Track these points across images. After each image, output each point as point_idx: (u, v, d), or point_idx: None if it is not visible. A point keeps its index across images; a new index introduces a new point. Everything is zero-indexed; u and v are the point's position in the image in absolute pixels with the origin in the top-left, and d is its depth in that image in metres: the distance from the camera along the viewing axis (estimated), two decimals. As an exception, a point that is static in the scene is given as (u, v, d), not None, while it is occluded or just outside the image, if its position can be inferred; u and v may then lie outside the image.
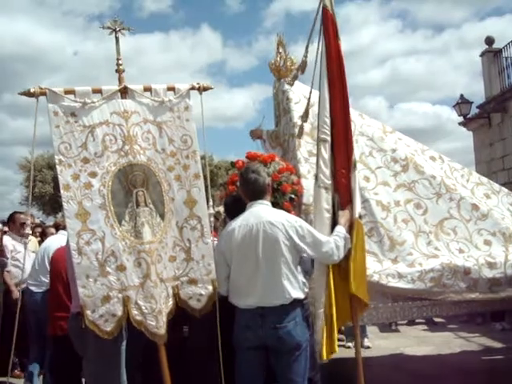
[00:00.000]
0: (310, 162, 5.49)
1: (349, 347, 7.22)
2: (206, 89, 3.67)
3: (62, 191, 3.12)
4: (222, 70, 59.35)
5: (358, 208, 4.18)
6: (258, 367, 3.61)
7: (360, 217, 4.21)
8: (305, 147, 5.59)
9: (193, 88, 3.63)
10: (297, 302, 3.58)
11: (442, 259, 5.00)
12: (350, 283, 3.97)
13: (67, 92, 3.23)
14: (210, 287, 3.53)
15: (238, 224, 3.64)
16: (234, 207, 4.00)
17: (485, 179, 6.27)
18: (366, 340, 8.06)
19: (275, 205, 4.84)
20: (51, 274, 4.99)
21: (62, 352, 4.44)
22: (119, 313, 3.17)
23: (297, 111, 5.82)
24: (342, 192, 4.19)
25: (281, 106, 6.07)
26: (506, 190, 6.19)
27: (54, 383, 4.98)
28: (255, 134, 6.29)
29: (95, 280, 3.12)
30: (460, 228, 5.36)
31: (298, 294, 3.57)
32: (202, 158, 3.77)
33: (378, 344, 7.90)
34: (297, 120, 5.73)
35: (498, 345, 7.70)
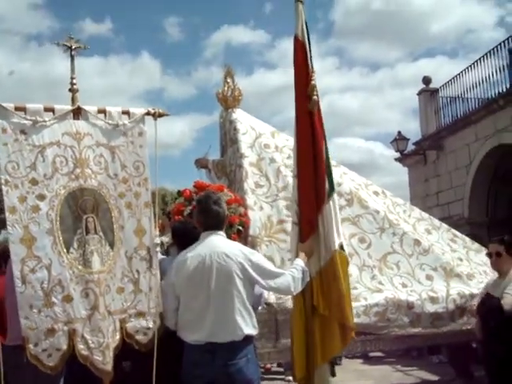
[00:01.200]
0: (257, 193, 5.49)
1: (289, 381, 7.16)
2: (161, 115, 3.56)
3: (7, 214, 2.93)
4: (160, 97, 59.08)
5: (337, 239, 4.08)
6: None
7: (341, 247, 4.12)
8: (252, 178, 5.58)
9: (148, 113, 3.52)
10: (249, 338, 3.41)
11: (386, 293, 5.04)
12: (346, 314, 3.98)
13: (18, 108, 3.07)
14: (158, 320, 3.38)
15: (191, 254, 3.44)
16: (185, 235, 3.86)
17: (426, 215, 6.44)
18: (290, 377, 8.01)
19: (222, 237, 4.78)
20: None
21: None
22: (64, 347, 2.99)
23: (244, 142, 5.83)
24: (303, 225, 4.12)
25: (227, 135, 6.06)
26: (446, 226, 6.36)
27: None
28: (201, 163, 6.23)
29: (39, 311, 2.94)
30: (403, 263, 5.45)
31: (250, 330, 3.39)
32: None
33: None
34: (244, 151, 5.72)
35: (435, 378, 7.79)
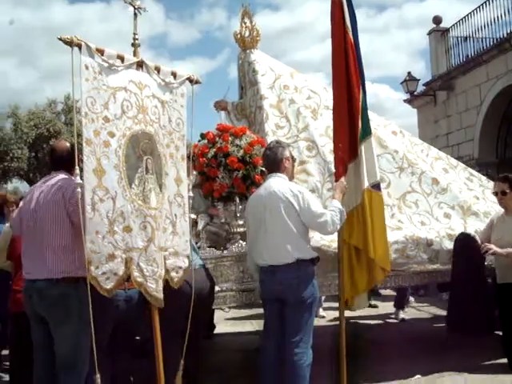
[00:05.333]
0: (278, 134, 5.53)
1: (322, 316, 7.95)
2: (197, 82, 3.90)
3: (84, 145, 3.09)
4: (163, 42, 58.15)
5: (369, 179, 4.40)
6: (274, 318, 4.14)
7: (375, 186, 4.43)
8: (272, 120, 5.61)
9: (188, 78, 3.82)
10: (300, 262, 4.01)
11: (405, 231, 5.15)
12: (368, 249, 4.33)
13: (98, 50, 3.21)
14: (187, 261, 3.68)
15: (253, 195, 4.33)
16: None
17: (443, 154, 6.50)
18: (320, 310, 8.26)
19: (247, 177, 4.89)
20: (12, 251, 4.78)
21: (23, 329, 4.27)
22: (121, 272, 3.20)
23: (264, 83, 5.83)
24: (337, 164, 4.41)
25: (246, 77, 6.04)
26: (462, 165, 6.44)
27: (13, 360, 4.83)
28: (220, 105, 6.23)
29: (103, 237, 3.12)
30: (421, 201, 5.54)
31: (300, 255, 4.01)
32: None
33: (332, 314, 8.07)
34: (264, 92, 5.73)
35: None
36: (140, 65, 3.48)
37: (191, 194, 3.84)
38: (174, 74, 3.71)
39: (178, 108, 3.71)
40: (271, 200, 4.03)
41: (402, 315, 7.82)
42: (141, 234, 3.26)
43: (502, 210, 4.95)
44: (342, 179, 4.36)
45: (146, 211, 3.30)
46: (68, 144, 3.70)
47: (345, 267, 4.43)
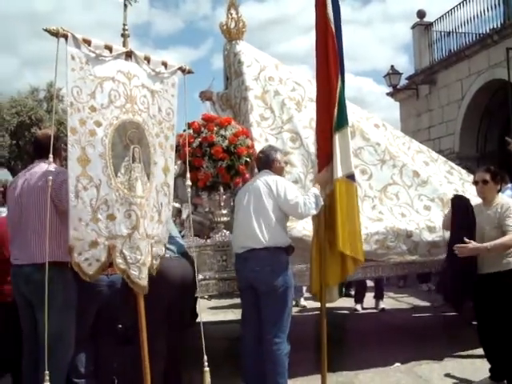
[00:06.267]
0: (262, 125, 5.58)
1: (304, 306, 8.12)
2: (189, 72, 3.93)
3: (68, 134, 3.15)
4: (147, 31, 57.56)
5: (343, 169, 4.41)
6: (250, 306, 4.26)
7: (349, 177, 4.46)
8: (257, 111, 5.65)
9: (180, 68, 3.86)
10: (274, 249, 4.13)
11: (386, 223, 5.24)
12: (337, 240, 4.33)
13: (85, 41, 3.25)
14: (163, 249, 3.74)
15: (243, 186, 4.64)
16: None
17: (424, 147, 6.60)
18: (302, 300, 8.36)
19: (231, 167, 4.95)
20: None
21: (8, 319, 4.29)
22: (103, 259, 3.27)
23: (249, 74, 5.85)
24: (319, 154, 4.52)
25: (232, 68, 6.06)
26: (443, 159, 6.55)
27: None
28: (205, 96, 6.26)
29: (87, 224, 3.19)
30: (402, 193, 5.62)
31: (274, 241, 4.13)
32: None
33: (313, 303, 8.16)
34: (249, 83, 5.77)
35: (425, 303, 8.21)
36: (129, 55, 3.52)
37: (189, 183, 3.94)
38: (165, 64, 3.74)
39: (169, 98, 3.75)
40: (254, 186, 4.28)
41: (382, 305, 7.94)
42: (125, 221, 3.30)
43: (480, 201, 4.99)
44: (324, 170, 4.43)
45: (131, 199, 3.33)
46: (51, 132, 3.73)
47: (315, 259, 4.47)
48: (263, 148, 4.67)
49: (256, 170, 4.73)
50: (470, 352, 5.30)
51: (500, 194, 4.81)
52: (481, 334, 4.66)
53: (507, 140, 6.68)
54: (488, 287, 4.46)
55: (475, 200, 5.10)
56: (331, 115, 4.40)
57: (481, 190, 4.76)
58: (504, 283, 4.39)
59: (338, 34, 4.49)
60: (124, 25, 3.62)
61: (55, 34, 3.11)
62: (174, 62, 3.83)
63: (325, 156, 4.47)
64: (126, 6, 3.64)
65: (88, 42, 3.26)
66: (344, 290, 5.18)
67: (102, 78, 3.30)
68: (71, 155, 3.15)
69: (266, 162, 4.44)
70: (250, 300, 4.25)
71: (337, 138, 4.42)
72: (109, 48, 3.37)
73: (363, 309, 8.01)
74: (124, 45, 3.57)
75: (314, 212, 4.24)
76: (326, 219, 4.43)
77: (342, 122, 4.45)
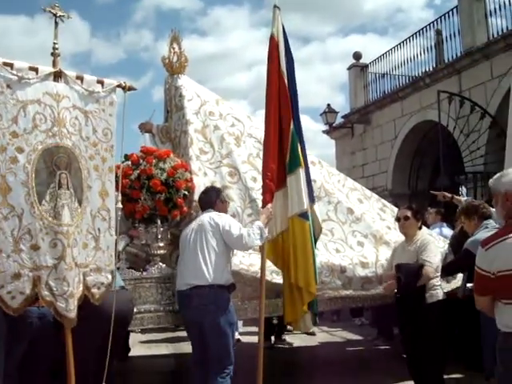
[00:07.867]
0: (201, 159, 5.62)
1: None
2: (130, 89, 3.74)
3: None
4: (87, 60, 56.82)
5: (296, 208, 4.70)
6: (197, 342, 4.39)
7: (302, 215, 4.71)
8: (196, 145, 5.68)
9: (119, 86, 3.69)
10: (217, 287, 4.22)
11: (320, 258, 5.33)
12: (290, 273, 4.67)
13: (5, 64, 3.13)
14: (110, 276, 3.61)
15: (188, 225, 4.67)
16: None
17: (358, 185, 6.79)
18: (236, 334, 8.29)
19: (169, 200, 4.95)
20: None
21: None
22: (27, 291, 3.13)
23: (189, 108, 5.90)
24: (264, 192, 4.71)
25: (173, 101, 6.09)
26: (376, 196, 6.76)
27: None
28: (145, 127, 6.23)
29: (8, 256, 3.06)
30: (337, 229, 5.78)
31: (217, 279, 4.23)
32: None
33: (248, 338, 8.14)
34: (189, 117, 5.82)
35: (358, 337, 8.35)
36: (59, 75, 3.38)
37: (120, 206, 3.77)
38: (102, 82, 3.59)
39: (106, 117, 3.59)
40: (199, 224, 4.44)
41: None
42: (50, 251, 3.17)
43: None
44: (269, 206, 4.60)
45: (56, 228, 3.20)
46: None
47: (285, 291, 4.80)
48: (205, 188, 4.84)
49: (186, 193, 4.97)
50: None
51: (422, 230, 5.02)
52: (409, 366, 4.79)
53: (432, 193, 6.96)
54: (412, 320, 4.64)
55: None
56: (282, 157, 4.73)
57: (402, 226, 4.98)
58: (426, 316, 4.56)
59: (292, 78, 4.83)
60: (54, 43, 3.49)
61: None
62: (111, 80, 3.68)
63: (270, 193, 4.68)
64: (56, 23, 3.53)
65: (10, 65, 3.13)
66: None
67: (25, 101, 3.17)
68: None
69: (209, 202, 4.62)
70: (196, 336, 4.38)
71: (292, 179, 4.73)
72: (34, 69, 3.24)
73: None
74: (54, 64, 3.44)
75: (259, 243, 4.40)
76: (279, 254, 4.76)
77: (296, 163, 4.74)
